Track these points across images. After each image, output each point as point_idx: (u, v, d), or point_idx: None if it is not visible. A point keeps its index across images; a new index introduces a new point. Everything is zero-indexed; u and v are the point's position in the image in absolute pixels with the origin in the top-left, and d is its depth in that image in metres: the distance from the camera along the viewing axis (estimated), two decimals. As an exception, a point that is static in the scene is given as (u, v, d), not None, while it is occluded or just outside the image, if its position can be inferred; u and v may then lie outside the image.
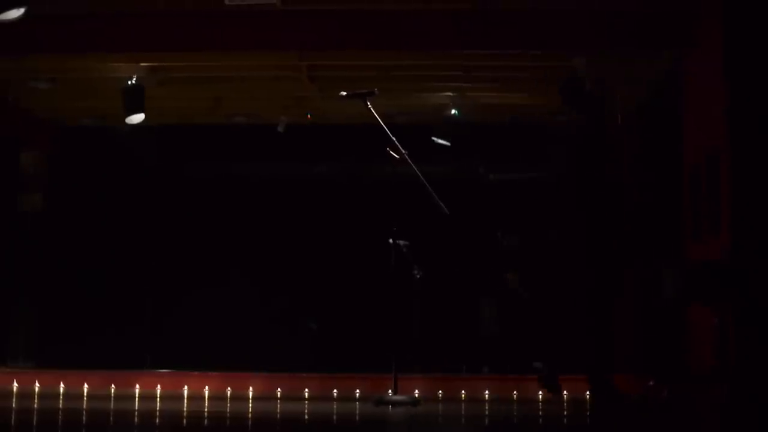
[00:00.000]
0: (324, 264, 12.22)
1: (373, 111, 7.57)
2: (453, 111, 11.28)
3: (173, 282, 12.09)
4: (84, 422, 6.98)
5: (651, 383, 8.14)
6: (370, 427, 6.68)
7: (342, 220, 12.25)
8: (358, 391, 8.64)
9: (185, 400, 8.34)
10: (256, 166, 12.67)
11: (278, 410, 7.78)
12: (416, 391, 8.11)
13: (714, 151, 8.56)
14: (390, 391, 7.89)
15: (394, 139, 7.63)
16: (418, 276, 10.71)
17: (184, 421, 7.14)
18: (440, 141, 11.32)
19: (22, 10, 7.77)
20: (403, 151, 7.61)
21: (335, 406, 8.13)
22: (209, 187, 12.63)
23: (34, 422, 6.90)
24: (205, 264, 12.20)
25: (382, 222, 11.28)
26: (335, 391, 8.73)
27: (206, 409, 7.83)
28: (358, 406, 8.12)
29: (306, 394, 8.69)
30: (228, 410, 7.83)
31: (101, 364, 9.43)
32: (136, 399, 8.44)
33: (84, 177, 12.45)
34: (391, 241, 10.97)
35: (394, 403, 7.77)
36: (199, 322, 11.53)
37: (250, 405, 8.18)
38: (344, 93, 7.71)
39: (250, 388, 8.60)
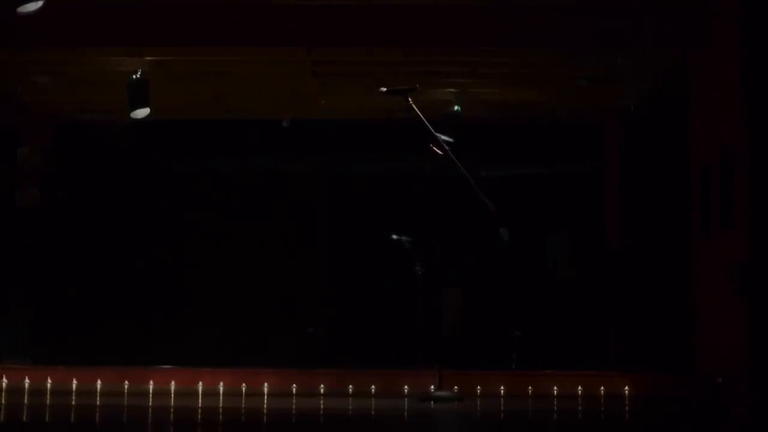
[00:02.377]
0: (330, 261, 12.22)
1: (415, 107, 7.56)
2: (455, 107, 11.27)
3: (179, 279, 12.04)
4: (99, 419, 6.95)
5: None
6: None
7: (346, 217, 12.25)
8: (373, 387, 8.64)
9: (200, 397, 8.31)
10: (258, 161, 12.63)
11: (298, 406, 7.80)
12: (432, 387, 8.09)
13: (728, 149, 8.62)
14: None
15: (437, 135, 7.62)
16: (420, 273, 10.73)
17: (199, 417, 7.13)
18: (443, 137, 11.30)
19: (40, 3, 7.74)
20: (447, 148, 7.59)
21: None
22: (212, 184, 12.59)
23: (47, 419, 6.88)
24: (210, 260, 12.17)
25: (384, 218, 11.38)
26: (350, 386, 8.70)
27: (221, 405, 7.83)
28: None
29: (321, 390, 8.68)
30: (243, 406, 7.83)
31: (107, 361, 9.41)
32: (150, 395, 8.41)
33: (83, 172, 12.37)
34: (394, 237, 11.01)
35: (439, 399, 7.79)
36: (207, 319, 11.54)
37: (265, 401, 8.18)
38: (384, 89, 7.68)
39: (265, 384, 8.57)
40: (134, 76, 10.22)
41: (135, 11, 9.68)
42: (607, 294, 11.29)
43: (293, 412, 7.55)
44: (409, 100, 7.63)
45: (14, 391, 8.58)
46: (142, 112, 10.31)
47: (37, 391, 8.50)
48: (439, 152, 7.64)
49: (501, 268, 11.45)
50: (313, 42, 9.85)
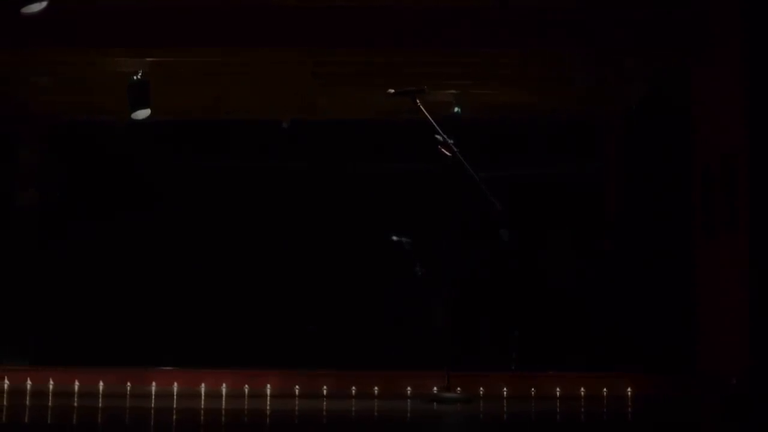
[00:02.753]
0: (331, 261, 12.22)
1: (423, 108, 7.57)
2: (456, 109, 11.28)
3: (181, 278, 12.02)
4: (101, 420, 6.95)
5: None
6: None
7: (347, 216, 12.24)
8: (376, 388, 8.62)
9: (202, 398, 8.31)
10: (259, 161, 12.62)
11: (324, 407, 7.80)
12: (435, 388, 8.10)
13: (731, 150, 8.64)
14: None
15: (445, 137, 7.64)
16: (420, 273, 10.76)
17: (202, 418, 7.14)
18: (441, 137, 11.30)
19: (44, 3, 7.74)
20: (455, 149, 7.60)
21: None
22: (213, 184, 12.58)
23: (49, 421, 6.87)
24: (212, 260, 12.16)
25: (383, 218, 11.41)
26: (353, 387, 8.68)
27: (223, 407, 7.83)
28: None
29: (324, 391, 8.66)
30: (245, 408, 7.83)
31: (108, 362, 9.38)
32: (153, 397, 8.40)
33: (83, 172, 12.37)
34: (394, 238, 11.01)
35: (448, 400, 7.79)
36: (209, 319, 11.52)
37: (268, 402, 8.18)
38: (392, 90, 7.68)
39: (268, 386, 8.55)
40: (135, 77, 10.23)
41: (135, 12, 9.68)
42: (608, 294, 11.30)
43: (296, 413, 7.55)
44: (417, 101, 7.63)
45: (16, 392, 8.55)
46: (142, 113, 10.33)
47: (39, 393, 8.47)
48: (448, 154, 7.64)
49: (502, 268, 11.44)
50: (313, 43, 9.86)
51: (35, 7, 7.82)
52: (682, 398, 8.63)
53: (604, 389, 8.58)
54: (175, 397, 8.40)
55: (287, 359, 9.77)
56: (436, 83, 10.88)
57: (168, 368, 9.09)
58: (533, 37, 9.75)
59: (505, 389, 8.59)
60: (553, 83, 11.14)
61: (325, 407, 7.89)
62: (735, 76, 8.66)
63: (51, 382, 8.63)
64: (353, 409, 7.84)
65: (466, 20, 9.70)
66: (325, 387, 8.61)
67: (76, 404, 7.96)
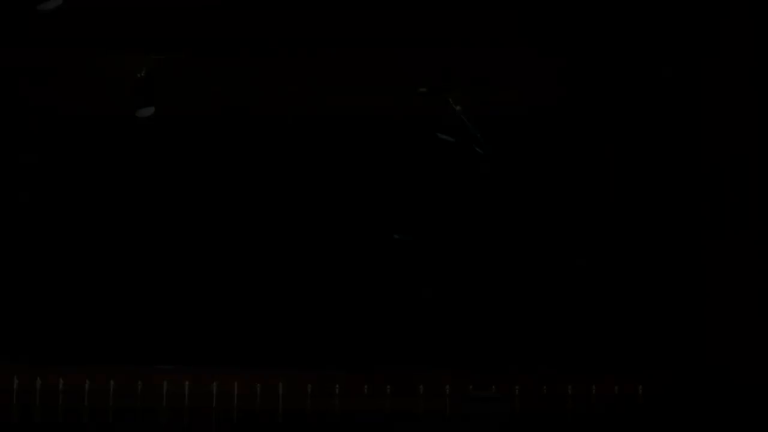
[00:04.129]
0: (333, 260, 12.21)
1: (455, 106, 7.57)
2: (457, 107, 11.29)
3: (191, 277, 11.97)
4: (112, 419, 6.95)
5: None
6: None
7: (349, 216, 12.23)
8: (389, 386, 8.63)
9: (214, 398, 8.30)
10: (258, 158, 12.57)
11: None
12: (447, 387, 8.12)
13: (741, 147, 8.68)
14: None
15: (478, 134, 7.64)
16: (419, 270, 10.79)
17: (213, 417, 7.14)
18: (444, 136, 11.34)
19: (60, 0, 7.72)
20: (487, 146, 7.61)
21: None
22: (215, 182, 12.53)
23: (59, 419, 6.86)
24: (222, 259, 12.12)
25: (383, 217, 11.41)
26: (365, 386, 8.69)
27: (235, 406, 7.83)
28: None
29: (336, 390, 8.66)
30: (257, 407, 7.84)
31: (119, 361, 9.35)
32: (164, 396, 8.38)
33: (84, 169, 12.30)
34: (395, 236, 11.04)
35: (484, 399, 7.82)
36: (223, 317, 11.49)
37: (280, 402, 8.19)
38: (423, 89, 7.69)
39: (280, 385, 8.55)
40: (139, 75, 10.20)
41: (138, 10, 9.66)
42: (615, 293, 11.35)
43: (307, 412, 7.56)
44: (450, 99, 7.65)
45: (25, 391, 8.52)
46: (146, 111, 10.30)
47: (49, 392, 8.44)
48: (480, 152, 7.67)
49: (504, 268, 11.48)
50: (315, 41, 9.87)
51: (51, 4, 7.78)
52: (691, 396, 8.67)
53: (615, 387, 8.63)
54: (186, 396, 8.40)
55: (299, 359, 9.78)
56: (438, 81, 10.95)
57: (179, 367, 9.07)
58: (533, 34, 9.78)
59: (517, 387, 8.64)
60: (553, 81, 11.15)
61: (337, 406, 7.91)
62: (746, 71, 8.67)
63: (61, 381, 8.60)
64: (364, 408, 7.86)
65: (467, 20, 9.71)
66: (337, 386, 8.61)
67: (86, 403, 7.94)
